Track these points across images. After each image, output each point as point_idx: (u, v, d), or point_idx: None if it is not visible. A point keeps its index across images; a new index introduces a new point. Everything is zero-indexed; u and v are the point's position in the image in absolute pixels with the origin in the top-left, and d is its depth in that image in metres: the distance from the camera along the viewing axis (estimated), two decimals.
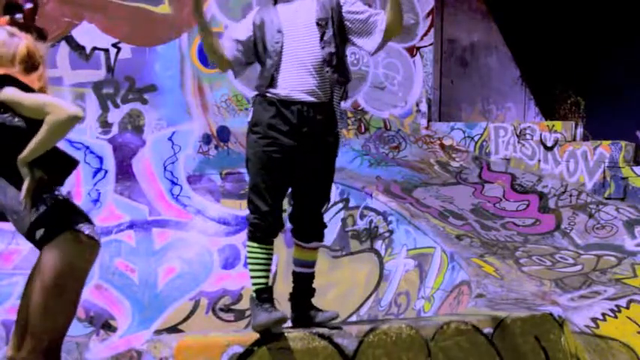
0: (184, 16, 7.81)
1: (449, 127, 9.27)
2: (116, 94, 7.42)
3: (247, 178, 3.07)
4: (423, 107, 9.43)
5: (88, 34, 7.29)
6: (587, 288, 5.13)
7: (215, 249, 6.99)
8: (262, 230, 2.92)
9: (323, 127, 2.96)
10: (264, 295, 2.90)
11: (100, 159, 7.21)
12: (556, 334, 3.57)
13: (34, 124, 2.47)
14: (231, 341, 2.63)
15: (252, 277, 2.96)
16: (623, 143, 7.62)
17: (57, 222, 2.48)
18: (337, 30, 3.00)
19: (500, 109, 11.54)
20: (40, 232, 2.46)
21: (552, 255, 5.99)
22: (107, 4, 7.40)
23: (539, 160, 8.27)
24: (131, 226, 6.98)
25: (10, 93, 2.49)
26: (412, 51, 9.41)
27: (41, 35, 2.80)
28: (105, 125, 7.34)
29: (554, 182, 7.84)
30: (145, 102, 7.52)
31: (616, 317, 4.61)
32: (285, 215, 3.03)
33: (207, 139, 7.74)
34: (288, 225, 3.11)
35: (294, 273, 3.12)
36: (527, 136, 8.44)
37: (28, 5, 2.78)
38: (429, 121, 9.43)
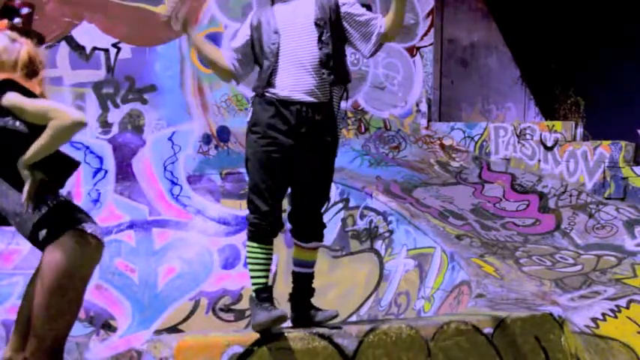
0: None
1: (449, 127, 9.27)
2: (116, 94, 7.42)
3: (247, 178, 3.07)
4: (423, 107, 9.43)
5: (88, 34, 7.30)
6: (587, 288, 5.13)
7: (215, 249, 6.99)
8: (262, 230, 2.92)
9: (322, 127, 2.96)
10: (263, 295, 2.90)
11: (100, 159, 7.21)
12: (556, 334, 3.57)
13: (35, 127, 2.49)
14: (231, 341, 2.63)
15: (252, 277, 2.96)
16: (623, 143, 7.62)
17: (59, 222, 2.48)
18: (335, 30, 3.00)
19: (500, 109, 11.55)
20: (42, 233, 2.46)
21: (552, 255, 5.99)
22: (107, 4, 7.40)
23: (539, 160, 8.27)
24: (131, 226, 6.98)
25: (13, 98, 2.50)
26: (412, 51, 9.41)
27: (40, 39, 2.82)
28: (105, 125, 7.34)
29: (554, 182, 7.84)
30: (145, 102, 7.52)
31: (616, 317, 4.61)
32: (284, 215, 3.03)
33: (207, 139, 7.74)
34: (288, 225, 3.11)
35: (293, 273, 3.12)
36: (527, 136, 8.45)
37: (25, 10, 2.78)
38: (429, 121, 9.44)
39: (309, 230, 3.06)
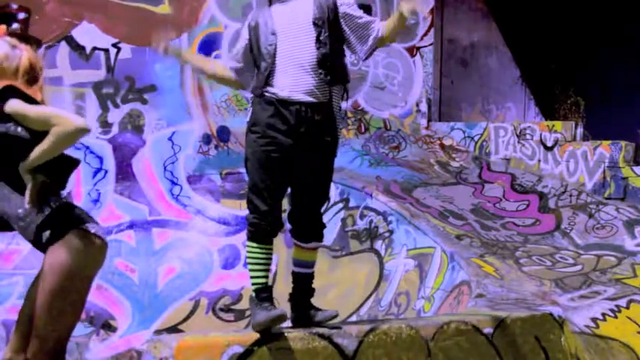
0: (184, 16, 7.81)
1: (449, 127, 9.27)
2: (116, 94, 7.42)
3: (247, 178, 3.08)
4: (423, 107, 9.43)
5: (88, 34, 7.29)
6: (587, 288, 5.13)
7: (215, 249, 6.99)
8: (262, 230, 2.92)
9: (321, 127, 2.96)
10: (263, 295, 2.90)
11: (100, 159, 7.21)
12: (556, 334, 3.57)
13: (36, 133, 2.50)
14: (231, 341, 2.63)
15: (252, 277, 2.96)
16: (623, 143, 7.62)
17: (63, 222, 2.49)
18: (333, 30, 3.00)
19: (500, 109, 11.55)
20: (46, 234, 2.46)
21: (552, 255, 5.99)
22: (107, 4, 7.40)
23: (539, 160, 8.27)
24: (131, 226, 6.98)
25: (15, 105, 2.52)
26: (412, 51, 9.41)
27: (37, 44, 2.83)
28: (105, 125, 7.34)
29: (554, 182, 7.84)
30: (145, 102, 7.52)
31: (616, 317, 4.61)
32: (284, 215, 3.04)
33: (207, 139, 7.74)
34: (287, 225, 3.11)
35: (293, 273, 3.12)
36: (527, 136, 8.45)
37: (22, 15, 2.79)
38: (429, 121, 9.44)
39: (308, 230, 3.07)
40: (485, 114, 11.12)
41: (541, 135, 8.34)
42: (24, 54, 2.69)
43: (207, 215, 7.27)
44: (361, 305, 5.89)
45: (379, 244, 6.38)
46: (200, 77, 7.83)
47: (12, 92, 2.54)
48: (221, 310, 6.56)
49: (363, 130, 8.80)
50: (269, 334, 2.72)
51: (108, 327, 6.26)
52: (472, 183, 7.97)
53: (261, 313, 2.76)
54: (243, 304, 6.48)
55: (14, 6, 2.81)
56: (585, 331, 4.37)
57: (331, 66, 2.96)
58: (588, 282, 5.26)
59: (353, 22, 3.03)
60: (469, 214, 6.93)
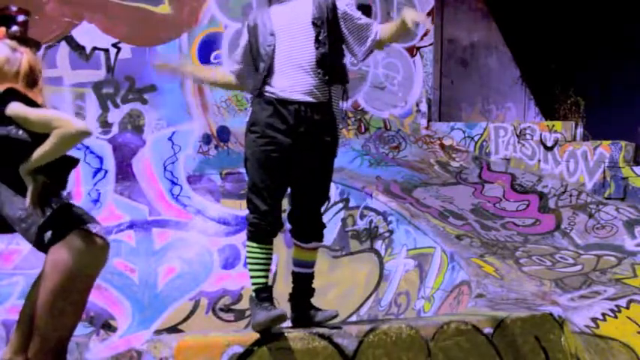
0: (184, 16, 7.81)
1: (449, 127, 9.27)
2: (116, 94, 7.42)
3: (247, 178, 3.08)
4: (423, 107, 9.43)
5: (88, 34, 7.29)
6: (587, 288, 5.13)
7: (215, 249, 6.98)
8: (262, 230, 2.92)
9: (320, 127, 2.97)
10: (263, 295, 2.90)
11: (100, 159, 7.21)
12: (556, 334, 3.57)
13: (37, 136, 2.51)
14: (231, 341, 2.63)
15: (252, 277, 2.96)
16: (623, 143, 7.62)
17: (64, 223, 2.49)
18: (332, 30, 3.00)
19: (500, 109, 11.55)
20: (47, 235, 2.46)
21: (552, 255, 5.99)
22: (107, 4, 7.40)
23: (539, 160, 8.27)
24: (131, 226, 6.98)
25: (17, 108, 2.53)
26: (412, 51, 9.41)
27: (37, 47, 2.84)
28: (105, 125, 7.33)
29: (554, 182, 7.84)
30: (145, 102, 7.52)
31: (616, 317, 4.61)
32: (284, 215, 3.03)
33: (207, 139, 7.74)
34: (287, 225, 3.11)
35: (293, 273, 3.12)
36: (527, 136, 8.45)
37: (22, 17, 2.80)
38: (429, 121, 9.44)
39: (308, 230, 3.06)
40: (485, 114, 11.12)
41: (541, 135, 8.34)
42: (24, 57, 2.70)
43: (207, 215, 7.28)
44: (361, 305, 5.89)
45: (379, 244, 6.38)
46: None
47: (13, 95, 2.55)
48: (221, 310, 6.56)
49: (363, 130, 8.80)
50: (269, 334, 2.72)
51: (108, 327, 6.26)
52: (472, 183, 7.97)
53: (261, 313, 2.76)
54: (243, 304, 6.48)
55: (13, 8, 2.81)
56: (585, 331, 4.37)
57: (330, 66, 2.96)
58: (588, 282, 5.26)
59: (352, 23, 3.04)
60: (469, 214, 6.93)
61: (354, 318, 5.68)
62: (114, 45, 7.44)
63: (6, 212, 2.51)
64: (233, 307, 6.58)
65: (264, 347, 2.65)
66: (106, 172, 7.20)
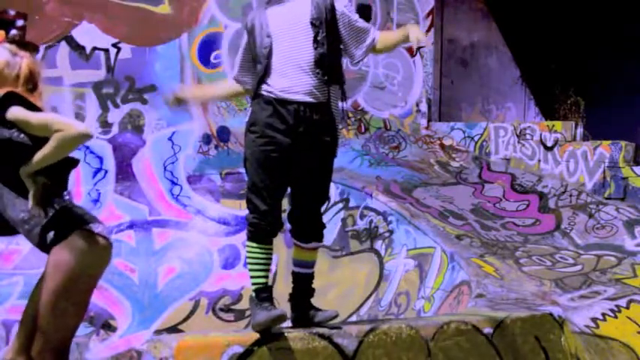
0: (184, 16, 7.81)
1: (449, 127, 9.27)
2: (116, 94, 7.41)
3: (246, 178, 3.08)
4: (423, 107, 9.43)
5: (88, 34, 7.29)
6: (587, 288, 5.13)
7: (215, 249, 6.98)
8: (261, 230, 2.92)
9: (320, 127, 2.97)
10: (263, 295, 2.90)
11: (100, 159, 7.21)
12: (556, 334, 3.57)
13: (38, 139, 2.52)
14: (231, 341, 2.63)
15: (252, 277, 2.96)
16: (623, 143, 7.62)
17: (66, 223, 2.50)
18: (331, 31, 3.01)
19: (500, 109, 11.55)
20: (50, 236, 2.47)
21: (552, 255, 5.99)
22: (107, 4, 7.39)
23: (539, 160, 8.27)
24: (131, 226, 6.98)
25: (17, 112, 2.54)
26: (412, 51, 9.41)
27: (35, 50, 2.86)
28: (105, 125, 7.33)
29: (554, 182, 7.84)
30: (145, 102, 7.52)
31: (616, 317, 4.61)
32: (284, 215, 3.04)
33: (207, 139, 7.74)
34: (287, 225, 3.12)
35: (293, 273, 3.12)
36: (527, 136, 8.45)
37: (21, 22, 2.82)
38: (429, 121, 9.44)
39: (308, 230, 3.07)
40: (485, 114, 11.12)
41: (541, 135, 8.34)
42: (24, 61, 2.71)
43: (207, 215, 7.28)
44: (361, 305, 5.89)
45: (379, 244, 6.38)
46: (200, 77, 7.83)
47: (13, 99, 2.56)
48: (221, 310, 6.56)
49: (363, 130, 8.80)
50: (269, 334, 2.72)
51: (108, 327, 6.26)
52: (472, 183, 7.97)
53: (261, 313, 2.76)
54: (243, 304, 6.48)
55: (12, 12, 2.83)
56: (585, 331, 4.37)
57: (329, 66, 2.97)
58: (588, 282, 5.26)
59: (350, 25, 3.06)
60: (469, 214, 6.93)
61: (354, 318, 5.68)
62: (114, 45, 7.44)
63: (8, 214, 2.52)
64: (233, 307, 6.58)
65: (264, 347, 2.65)
66: (106, 172, 7.20)
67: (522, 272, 5.36)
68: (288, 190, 3.08)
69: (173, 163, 7.50)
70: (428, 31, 9.57)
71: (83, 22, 7.28)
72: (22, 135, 2.54)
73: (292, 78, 2.94)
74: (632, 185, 7.39)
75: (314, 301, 3.08)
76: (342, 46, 3.11)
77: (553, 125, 8.40)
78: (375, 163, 8.10)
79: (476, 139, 8.89)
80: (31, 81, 2.70)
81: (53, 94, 6.86)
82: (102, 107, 7.35)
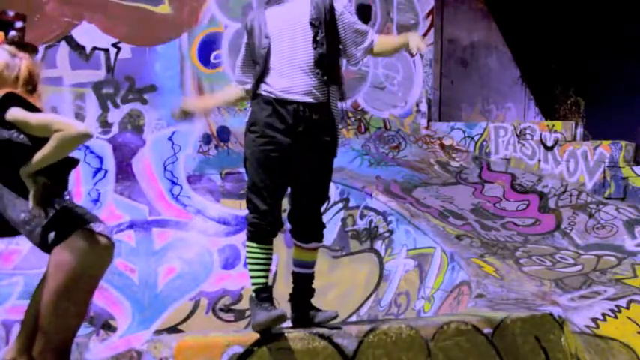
0: (184, 16, 7.81)
1: (449, 127, 9.27)
2: (116, 94, 7.42)
3: (246, 177, 3.08)
4: (423, 107, 9.43)
5: (88, 34, 7.29)
6: (587, 288, 5.13)
7: (215, 249, 6.98)
8: (261, 230, 2.92)
9: (319, 127, 2.97)
10: (263, 295, 2.90)
11: (100, 159, 7.21)
12: (556, 334, 3.57)
13: (38, 140, 2.53)
14: (231, 341, 2.63)
15: (252, 277, 2.96)
16: (623, 143, 7.62)
17: (67, 223, 2.50)
18: (330, 31, 3.02)
19: (500, 109, 11.55)
20: (51, 236, 2.47)
21: (552, 255, 5.99)
22: (107, 4, 7.39)
23: (539, 160, 8.27)
24: (131, 226, 6.98)
25: (17, 113, 2.55)
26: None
27: (34, 51, 2.87)
28: (105, 125, 7.33)
29: (554, 182, 7.84)
30: (145, 102, 7.52)
31: (616, 317, 4.61)
32: (284, 215, 3.04)
33: (207, 139, 7.74)
34: (287, 225, 3.12)
35: (293, 273, 3.12)
36: (527, 136, 8.45)
37: (20, 23, 2.83)
38: (429, 121, 9.44)
39: (308, 230, 3.07)
40: (485, 114, 11.12)
41: (541, 135, 8.34)
42: (23, 62, 2.73)
43: (207, 215, 7.28)
44: (361, 305, 5.89)
45: (379, 244, 6.38)
46: (200, 77, 7.83)
47: (13, 100, 2.56)
48: (221, 310, 6.56)
49: (363, 130, 8.80)
50: (269, 334, 2.72)
51: (108, 327, 6.26)
52: (472, 183, 7.97)
53: (261, 313, 2.76)
54: (243, 304, 6.48)
55: (11, 14, 2.84)
56: (585, 331, 4.37)
57: (328, 66, 2.98)
58: (588, 282, 5.26)
59: (349, 26, 3.07)
60: (469, 214, 6.93)
61: (354, 318, 5.68)
62: (114, 45, 7.44)
63: (9, 215, 2.52)
64: (233, 307, 6.58)
65: (264, 347, 2.65)
66: (106, 172, 7.20)
67: (522, 272, 5.36)
68: (288, 190, 3.08)
69: (173, 163, 7.50)
70: (428, 31, 9.58)
71: (83, 22, 7.28)
72: (21, 136, 2.54)
73: (292, 78, 2.94)
74: (632, 185, 7.40)
75: (314, 301, 3.08)
76: (340, 47, 3.11)
77: (553, 125, 8.40)
78: (375, 163, 8.10)
79: (476, 139, 8.89)
80: (31, 82, 2.71)
81: (53, 94, 6.86)
82: (102, 107, 7.35)
